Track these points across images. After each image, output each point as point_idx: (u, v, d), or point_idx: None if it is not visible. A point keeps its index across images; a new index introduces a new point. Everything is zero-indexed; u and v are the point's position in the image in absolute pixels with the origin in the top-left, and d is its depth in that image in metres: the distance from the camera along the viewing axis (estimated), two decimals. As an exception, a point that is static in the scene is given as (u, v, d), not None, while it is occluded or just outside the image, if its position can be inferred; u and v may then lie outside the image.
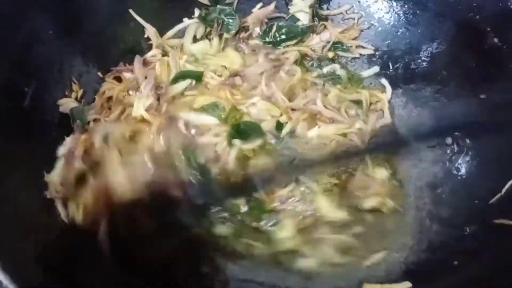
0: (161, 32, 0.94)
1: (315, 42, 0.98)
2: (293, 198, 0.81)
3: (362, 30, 0.97)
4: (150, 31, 0.92)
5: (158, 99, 0.84)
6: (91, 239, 0.71)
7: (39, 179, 0.73)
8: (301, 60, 0.96)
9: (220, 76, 0.91)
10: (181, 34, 0.96)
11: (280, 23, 0.98)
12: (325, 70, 0.96)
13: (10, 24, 0.72)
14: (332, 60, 0.98)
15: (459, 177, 0.84)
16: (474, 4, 0.84)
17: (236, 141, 0.82)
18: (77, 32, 0.83)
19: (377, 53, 0.97)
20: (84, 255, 0.69)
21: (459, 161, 0.85)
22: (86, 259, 0.68)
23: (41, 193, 0.72)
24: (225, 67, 0.92)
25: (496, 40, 0.82)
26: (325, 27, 0.98)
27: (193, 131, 0.83)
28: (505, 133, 0.80)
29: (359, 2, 0.97)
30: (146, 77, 0.86)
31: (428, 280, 0.75)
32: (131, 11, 0.90)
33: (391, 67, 0.96)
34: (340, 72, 0.96)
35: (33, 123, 0.75)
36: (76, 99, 0.83)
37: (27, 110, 0.74)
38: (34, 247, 0.62)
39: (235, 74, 0.90)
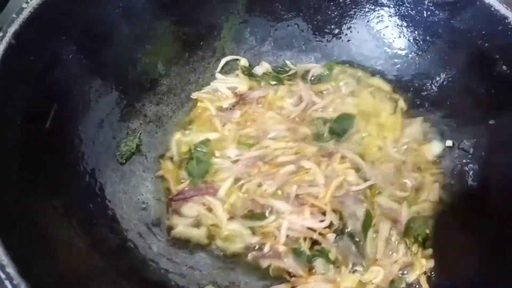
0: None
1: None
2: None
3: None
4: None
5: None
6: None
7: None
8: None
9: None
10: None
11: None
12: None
13: (33, 48, 0.74)
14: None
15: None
16: (484, 33, 0.86)
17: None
18: (97, 55, 0.85)
19: (388, 76, 0.99)
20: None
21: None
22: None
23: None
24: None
25: (505, 67, 0.84)
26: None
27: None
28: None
29: (370, 27, 0.99)
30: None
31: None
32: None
33: (401, 91, 0.98)
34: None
35: (53, 143, 0.77)
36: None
37: (49, 131, 0.76)
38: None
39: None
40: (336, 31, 1.01)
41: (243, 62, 1.02)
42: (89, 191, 0.81)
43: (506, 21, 0.83)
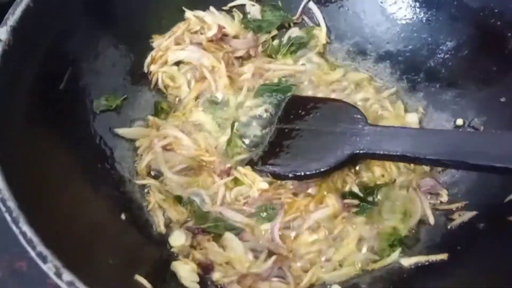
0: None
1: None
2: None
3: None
4: None
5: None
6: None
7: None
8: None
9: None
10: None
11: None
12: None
13: (50, 10, 0.77)
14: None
15: (475, 176, 0.84)
16: (496, 11, 0.86)
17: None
18: (112, 25, 0.89)
19: (399, 58, 0.99)
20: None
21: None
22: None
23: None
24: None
25: (517, 45, 0.84)
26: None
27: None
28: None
29: (384, 8, 1.00)
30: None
31: (440, 276, 0.76)
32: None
33: (413, 72, 0.98)
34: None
35: (67, 104, 0.80)
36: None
37: (63, 92, 0.79)
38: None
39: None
40: (350, 12, 1.02)
41: (254, 11, 1.01)
42: (98, 152, 0.83)
43: (519, -3, 0.83)
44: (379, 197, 0.85)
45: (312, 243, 0.79)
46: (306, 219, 0.80)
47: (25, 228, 0.56)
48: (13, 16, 0.72)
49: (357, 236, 0.80)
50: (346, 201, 0.82)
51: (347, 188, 0.85)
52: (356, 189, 0.84)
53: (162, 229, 0.80)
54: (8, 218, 0.57)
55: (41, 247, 0.55)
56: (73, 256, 0.58)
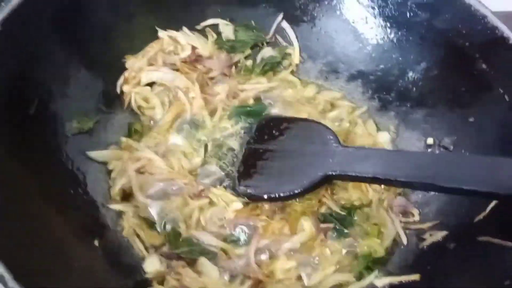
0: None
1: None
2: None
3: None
4: None
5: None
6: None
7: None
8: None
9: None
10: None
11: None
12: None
13: (19, 36, 0.76)
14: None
15: (446, 196, 0.86)
16: (464, 32, 0.87)
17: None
18: (83, 47, 0.87)
19: (371, 77, 1.01)
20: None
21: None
22: None
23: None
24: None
25: (484, 66, 0.85)
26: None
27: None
28: (491, 155, 0.83)
29: (355, 28, 1.01)
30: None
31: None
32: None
33: (384, 91, 1.00)
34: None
35: (37, 129, 0.79)
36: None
37: (32, 118, 0.78)
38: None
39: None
40: (322, 32, 1.03)
41: (227, 31, 1.02)
42: (71, 177, 0.82)
43: (485, 20, 0.84)
44: (355, 218, 0.86)
45: (288, 269, 0.79)
46: (283, 244, 0.80)
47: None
48: (-19, 41, 0.71)
49: (335, 261, 0.81)
50: (322, 225, 0.83)
51: (323, 210, 0.85)
52: (334, 208, 0.86)
53: (144, 253, 0.79)
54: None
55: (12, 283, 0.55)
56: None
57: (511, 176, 0.68)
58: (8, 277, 0.55)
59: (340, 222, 0.85)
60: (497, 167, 0.70)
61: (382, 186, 0.89)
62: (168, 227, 0.82)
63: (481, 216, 0.78)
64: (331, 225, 0.84)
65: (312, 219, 0.83)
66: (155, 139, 0.91)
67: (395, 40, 0.97)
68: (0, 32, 0.73)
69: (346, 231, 0.84)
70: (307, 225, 0.81)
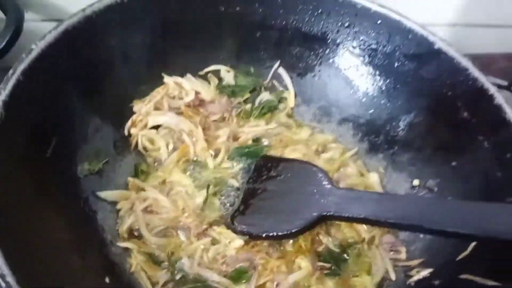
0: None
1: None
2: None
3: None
4: None
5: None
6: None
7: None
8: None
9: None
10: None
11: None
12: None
13: (39, 85, 0.82)
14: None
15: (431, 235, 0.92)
16: (448, 82, 0.95)
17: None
18: (96, 95, 0.94)
19: (361, 121, 1.08)
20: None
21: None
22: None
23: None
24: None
25: (466, 114, 0.93)
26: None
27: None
28: (473, 196, 0.90)
29: (347, 76, 1.09)
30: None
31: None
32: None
33: (373, 134, 1.07)
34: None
35: (53, 170, 0.84)
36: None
37: (49, 160, 0.84)
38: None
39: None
40: (316, 78, 1.11)
41: (228, 77, 1.09)
42: (83, 216, 0.87)
43: (467, 71, 0.92)
44: (349, 255, 0.92)
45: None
46: (281, 282, 0.86)
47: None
48: (5, 91, 0.76)
49: None
50: (319, 263, 0.89)
51: (320, 248, 0.91)
52: (330, 245, 0.91)
53: None
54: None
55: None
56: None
57: (487, 219, 0.75)
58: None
59: (335, 259, 0.90)
60: (475, 212, 0.78)
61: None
62: (174, 264, 0.87)
63: (463, 255, 0.84)
64: (327, 265, 0.89)
65: (309, 257, 0.88)
66: (160, 178, 0.97)
67: (383, 88, 1.05)
68: (21, 82, 0.79)
69: (339, 271, 0.89)
70: (304, 264, 0.87)
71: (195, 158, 0.99)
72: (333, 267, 0.90)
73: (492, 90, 0.90)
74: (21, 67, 0.79)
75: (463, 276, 0.81)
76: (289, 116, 1.11)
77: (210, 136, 1.01)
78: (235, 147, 1.01)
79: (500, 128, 0.88)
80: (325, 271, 0.89)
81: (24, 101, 0.79)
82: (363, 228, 0.95)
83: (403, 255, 0.93)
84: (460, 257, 0.85)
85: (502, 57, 1.44)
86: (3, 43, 0.94)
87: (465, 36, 1.34)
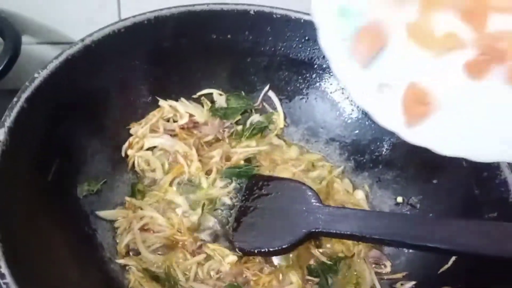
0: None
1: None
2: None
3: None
4: None
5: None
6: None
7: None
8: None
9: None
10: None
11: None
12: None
13: (42, 112, 0.87)
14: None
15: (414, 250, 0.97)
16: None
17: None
18: (96, 120, 0.99)
19: (347, 141, 1.14)
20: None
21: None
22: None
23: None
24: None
25: (446, 135, 0.99)
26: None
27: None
28: (453, 213, 0.96)
29: (333, 99, 1.14)
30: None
31: None
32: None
33: (359, 154, 1.12)
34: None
35: (55, 192, 0.89)
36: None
37: (50, 183, 0.88)
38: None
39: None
40: (304, 101, 1.16)
41: (220, 100, 1.14)
42: (83, 235, 0.91)
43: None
44: (340, 268, 0.97)
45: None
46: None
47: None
48: (10, 118, 0.80)
49: None
50: (308, 277, 0.94)
51: (311, 262, 0.96)
52: (322, 259, 0.97)
53: None
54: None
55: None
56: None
57: (466, 235, 0.80)
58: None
59: (326, 271, 0.95)
60: (454, 228, 0.82)
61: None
62: (170, 280, 0.91)
63: (444, 268, 0.89)
64: (315, 280, 0.94)
65: (299, 271, 0.93)
66: (156, 197, 1.01)
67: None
68: (25, 109, 0.83)
69: (327, 285, 0.95)
70: (294, 279, 0.92)
71: (189, 179, 1.03)
72: (321, 282, 0.94)
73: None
74: (25, 95, 0.83)
75: (444, 288, 0.86)
76: (279, 136, 1.16)
77: (203, 157, 1.06)
78: (227, 168, 1.06)
79: (477, 148, 0.93)
80: (314, 286, 0.94)
81: (27, 127, 0.83)
82: (351, 244, 1.00)
83: (388, 269, 0.98)
84: (441, 270, 0.90)
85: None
86: (1, 66, 0.99)
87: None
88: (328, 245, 1.00)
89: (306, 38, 1.10)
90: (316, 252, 0.98)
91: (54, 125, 0.90)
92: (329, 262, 0.97)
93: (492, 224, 0.86)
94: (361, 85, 0.59)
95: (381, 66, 0.58)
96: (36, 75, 0.86)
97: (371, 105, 0.60)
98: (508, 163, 0.90)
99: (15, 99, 0.83)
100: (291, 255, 0.96)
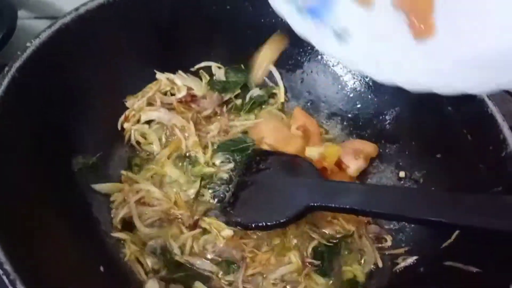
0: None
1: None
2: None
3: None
4: None
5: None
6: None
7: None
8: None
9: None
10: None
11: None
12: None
13: (34, 82, 0.85)
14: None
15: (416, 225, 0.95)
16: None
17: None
18: (90, 90, 0.97)
19: (349, 115, 1.11)
20: None
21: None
22: None
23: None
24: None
25: (450, 108, 0.95)
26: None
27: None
28: (456, 188, 0.93)
29: (335, 72, 1.12)
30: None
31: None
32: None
33: (361, 128, 1.10)
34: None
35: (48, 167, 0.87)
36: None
37: (45, 154, 0.86)
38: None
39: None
40: (305, 74, 1.14)
41: (219, 73, 1.12)
42: (78, 208, 0.90)
43: (452, 68, 0.95)
44: (341, 248, 0.95)
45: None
46: (271, 274, 0.89)
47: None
48: (0, 87, 0.78)
49: None
50: (308, 260, 0.92)
51: (311, 245, 0.94)
52: (322, 241, 0.94)
53: (144, 277, 0.86)
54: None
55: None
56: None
57: (469, 209, 0.78)
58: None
59: (328, 253, 0.93)
60: (458, 202, 0.80)
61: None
62: (166, 253, 0.90)
63: (447, 243, 0.87)
64: (316, 262, 0.92)
65: (299, 253, 0.91)
66: (152, 171, 0.99)
67: (370, 83, 1.08)
68: (16, 78, 0.80)
69: (329, 271, 0.93)
70: (294, 258, 0.90)
71: (186, 153, 1.01)
72: (323, 266, 0.92)
73: (475, 84, 0.92)
74: (17, 64, 0.81)
75: (447, 263, 0.84)
76: (279, 110, 1.14)
77: (201, 131, 1.04)
78: (221, 143, 1.04)
79: (482, 121, 0.90)
80: (314, 269, 0.92)
81: (19, 97, 0.82)
82: (350, 223, 0.98)
83: (389, 243, 0.96)
84: (444, 245, 0.88)
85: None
86: (-3, 41, 0.97)
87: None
88: (326, 227, 0.98)
89: (308, 9, 1.07)
90: (314, 234, 0.96)
91: (48, 95, 0.88)
92: (330, 244, 0.95)
93: (497, 198, 0.84)
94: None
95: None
96: (28, 44, 0.84)
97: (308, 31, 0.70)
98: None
99: (6, 68, 0.81)
100: (291, 237, 0.94)
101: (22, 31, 1.07)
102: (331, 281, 0.92)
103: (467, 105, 0.93)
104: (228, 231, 0.91)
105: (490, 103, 0.90)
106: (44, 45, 0.85)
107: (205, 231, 0.93)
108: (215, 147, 1.03)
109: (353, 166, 1.02)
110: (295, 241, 0.94)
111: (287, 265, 0.90)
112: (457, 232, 0.87)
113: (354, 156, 1.04)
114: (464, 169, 0.93)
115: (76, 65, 0.93)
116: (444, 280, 0.85)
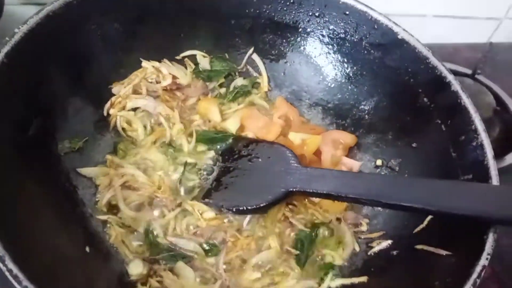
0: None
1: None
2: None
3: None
4: None
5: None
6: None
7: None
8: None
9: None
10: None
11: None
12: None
13: (22, 68, 0.86)
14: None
15: (391, 210, 0.99)
16: (410, 70, 1.01)
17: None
18: (77, 77, 0.98)
19: (329, 105, 1.15)
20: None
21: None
22: None
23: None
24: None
25: (425, 100, 0.99)
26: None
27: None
28: (431, 175, 0.98)
29: (317, 63, 1.15)
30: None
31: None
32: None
33: (341, 118, 1.14)
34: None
35: (36, 147, 0.89)
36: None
37: (31, 138, 0.88)
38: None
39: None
40: (288, 64, 1.17)
41: (203, 62, 1.14)
42: (64, 191, 0.92)
43: (427, 61, 0.98)
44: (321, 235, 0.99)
45: (254, 280, 0.91)
46: (250, 258, 0.93)
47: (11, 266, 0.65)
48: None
49: (298, 276, 0.93)
50: (286, 248, 0.96)
51: (291, 234, 0.98)
52: (300, 226, 0.98)
53: (129, 258, 0.90)
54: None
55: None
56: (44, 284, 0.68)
57: (441, 195, 0.82)
58: (21, 277, 0.65)
59: (308, 243, 0.96)
60: (430, 188, 0.84)
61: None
62: (149, 235, 0.93)
63: (419, 228, 0.91)
64: (294, 251, 0.95)
65: (278, 238, 0.95)
66: (137, 156, 1.02)
67: (351, 74, 1.11)
68: (4, 64, 0.82)
69: (305, 260, 0.96)
70: (273, 244, 0.93)
71: (171, 142, 1.04)
72: (300, 256, 0.95)
73: (450, 77, 0.96)
74: (5, 50, 0.83)
75: (419, 247, 0.88)
76: (263, 99, 1.17)
77: (185, 120, 1.07)
78: (204, 131, 1.07)
79: (456, 112, 0.94)
80: (292, 256, 0.96)
81: (7, 82, 0.83)
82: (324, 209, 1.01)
83: (364, 228, 1.00)
84: (417, 229, 0.92)
85: (466, 47, 1.52)
86: (-16, 27, 0.98)
87: (431, 26, 1.41)
88: (306, 213, 1.01)
89: (291, 1, 1.10)
90: (293, 220, 0.99)
91: (35, 81, 0.90)
92: (306, 229, 0.98)
93: (467, 185, 0.88)
94: None
95: None
96: (16, 30, 0.86)
97: None
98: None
99: (-6, 54, 0.82)
100: (268, 221, 0.97)
101: (9, 16, 1.08)
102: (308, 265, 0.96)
103: (442, 97, 0.97)
104: (210, 213, 0.94)
105: (463, 95, 0.94)
106: (32, 31, 0.87)
107: (187, 213, 0.96)
108: (199, 135, 1.05)
109: (329, 156, 1.06)
110: (277, 229, 0.97)
111: (266, 250, 0.94)
112: (429, 217, 0.91)
113: (333, 147, 1.08)
114: (438, 157, 0.97)
115: (62, 52, 0.95)
116: (415, 262, 0.89)
